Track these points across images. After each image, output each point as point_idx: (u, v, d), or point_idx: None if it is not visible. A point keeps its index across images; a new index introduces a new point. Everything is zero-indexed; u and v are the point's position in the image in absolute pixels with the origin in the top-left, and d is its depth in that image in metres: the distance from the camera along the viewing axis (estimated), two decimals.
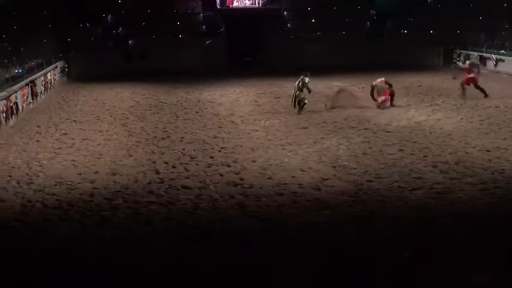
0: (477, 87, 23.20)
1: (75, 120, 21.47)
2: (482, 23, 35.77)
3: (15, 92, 22.39)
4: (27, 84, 24.45)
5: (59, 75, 32.04)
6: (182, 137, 18.29)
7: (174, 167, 14.96)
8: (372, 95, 22.57)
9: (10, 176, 14.43)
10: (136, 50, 37.25)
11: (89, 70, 33.92)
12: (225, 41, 38.74)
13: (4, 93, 21.30)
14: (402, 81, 23.67)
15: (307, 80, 21.59)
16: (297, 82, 21.69)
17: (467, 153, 15.56)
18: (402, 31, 39.19)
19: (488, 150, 15.67)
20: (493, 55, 31.80)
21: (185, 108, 23.57)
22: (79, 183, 13.76)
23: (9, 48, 31.04)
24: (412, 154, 15.59)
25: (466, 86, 23.27)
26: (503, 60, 31.29)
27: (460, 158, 15.01)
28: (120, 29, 39.12)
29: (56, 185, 13.64)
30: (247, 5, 41.12)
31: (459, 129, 18.40)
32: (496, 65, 31.38)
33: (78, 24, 37.95)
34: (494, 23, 34.74)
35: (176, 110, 23.17)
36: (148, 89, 28.68)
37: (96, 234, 10.82)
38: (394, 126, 18.91)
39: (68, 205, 12.25)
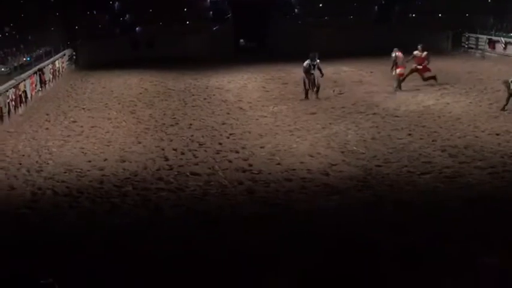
0: (425, 79, 22.91)
1: (83, 108, 21.53)
2: (491, 6, 35.50)
3: (24, 80, 22.45)
4: (35, 73, 24.51)
5: (67, 63, 32.12)
6: (190, 124, 18.31)
7: (182, 153, 14.99)
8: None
9: (20, 164, 14.52)
10: (144, 37, 37.24)
11: (96, 58, 33.95)
12: (232, 27, 38.63)
13: (13, 82, 21.37)
14: (410, 66, 23.53)
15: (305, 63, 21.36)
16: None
17: (477, 137, 15.51)
18: (410, 15, 38.95)
19: (497, 134, 15.61)
20: (502, 38, 31.57)
21: (193, 95, 23.57)
22: (88, 170, 13.83)
23: (17, 36, 31.12)
24: (421, 138, 15.56)
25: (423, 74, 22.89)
26: None
27: (469, 142, 14.97)
28: (127, 16, 39.10)
29: (65, 173, 13.71)
30: None
31: (468, 113, 18.33)
32: (505, 48, 31.17)
33: (86, 12, 37.95)
34: (503, 6, 34.46)
35: (184, 97, 23.18)
36: (156, 76, 28.70)
37: (106, 221, 10.89)
38: (403, 111, 18.85)
39: (78, 192, 12.33)
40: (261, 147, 15.25)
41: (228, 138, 16.44)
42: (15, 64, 25.98)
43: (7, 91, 20.02)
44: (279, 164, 13.80)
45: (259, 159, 14.21)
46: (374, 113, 18.70)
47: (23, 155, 15.33)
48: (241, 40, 40.23)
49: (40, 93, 24.43)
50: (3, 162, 14.71)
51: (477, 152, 14.08)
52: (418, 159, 13.78)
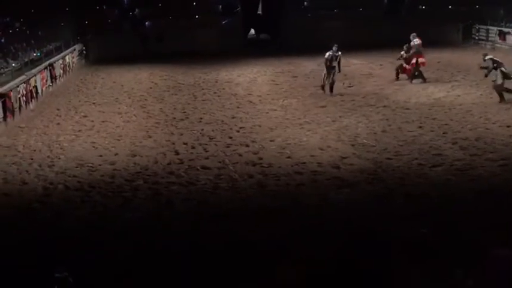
0: (412, 75, 22.64)
1: (94, 103, 21.60)
2: None
3: (35, 75, 22.54)
4: (46, 68, 24.60)
5: (77, 58, 32.19)
6: (201, 118, 18.34)
7: (193, 147, 15.03)
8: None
9: (32, 159, 14.61)
10: (153, 31, 37.26)
11: (106, 52, 34.01)
12: (242, 20, 38.57)
13: (24, 77, 21.46)
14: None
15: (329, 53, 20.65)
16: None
17: (488, 129, 15.45)
18: (420, 7, 38.74)
19: (508, 126, 15.54)
20: None
21: (203, 89, 23.59)
22: (100, 165, 13.90)
23: (28, 31, 31.24)
24: (431, 131, 15.51)
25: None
26: None
27: (480, 134, 14.92)
28: (136, 10, 39.11)
29: (77, 167, 13.78)
30: None
31: (479, 105, 18.24)
32: None
33: (95, 7, 38.02)
34: None
35: (194, 91, 23.20)
36: (166, 71, 28.73)
37: (117, 215, 10.94)
38: (413, 103, 18.79)
39: (89, 187, 12.40)
40: (271, 141, 15.26)
41: (238, 132, 16.45)
42: (26, 59, 26.09)
43: (18, 86, 20.11)
44: (289, 157, 13.81)
45: (269, 153, 14.23)
46: (384, 106, 18.65)
47: (35, 150, 15.42)
48: (251, 31, 40.07)
49: (51, 89, 24.52)
50: (15, 157, 14.81)
51: (488, 144, 14.04)
52: (429, 151, 13.75)
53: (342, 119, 17.29)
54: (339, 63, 20.66)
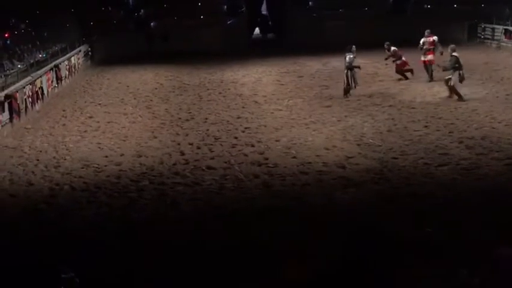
0: (400, 72, 22.70)
1: (99, 104, 21.64)
2: None
3: (40, 76, 22.60)
4: (51, 69, 24.66)
5: (83, 59, 32.26)
6: (206, 118, 18.35)
7: (198, 148, 15.04)
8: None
9: (38, 160, 14.65)
10: (158, 32, 37.30)
11: (112, 53, 34.07)
12: (247, 20, 38.58)
13: (29, 78, 21.52)
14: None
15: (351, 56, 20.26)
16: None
17: (493, 128, 15.40)
18: (425, 6, 38.65)
19: None
20: None
21: (208, 89, 23.60)
22: (105, 165, 13.92)
23: (33, 33, 31.33)
24: (437, 130, 15.48)
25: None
26: None
27: (486, 133, 14.87)
28: (141, 11, 39.18)
29: (83, 168, 13.82)
30: None
31: (484, 104, 18.19)
32: None
33: (101, 8, 38.10)
34: None
35: (199, 91, 23.22)
36: (171, 71, 28.76)
37: (123, 215, 10.96)
38: (419, 103, 18.74)
39: (95, 187, 12.42)
40: (277, 141, 15.25)
41: (244, 132, 16.46)
42: (32, 61, 26.18)
43: (24, 88, 20.16)
44: (294, 157, 13.80)
45: (274, 153, 14.22)
46: (390, 105, 18.62)
47: (41, 151, 15.46)
48: (256, 31, 40.06)
49: (56, 90, 24.58)
50: (21, 158, 14.85)
51: (494, 143, 13.99)
52: (435, 151, 13.72)
53: (348, 118, 17.27)
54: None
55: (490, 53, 29.89)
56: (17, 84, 20.37)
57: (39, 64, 25.51)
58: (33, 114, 20.29)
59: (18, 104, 19.11)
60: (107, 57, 33.85)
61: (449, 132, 15.19)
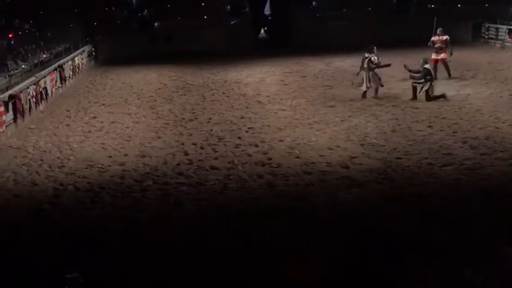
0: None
1: (103, 104, 21.67)
2: None
3: (44, 76, 22.64)
4: (55, 69, 24.70)
5: (87, 59, 32.32)
6: (210, 118, 18.36)
7: (202, 148, 15.05)
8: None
9: (42, 160, 14.67)
10: (162, 32, 37.35)
11: (115, 53, 34.15)
12: (250, 20, 38.60)
13: (33, 78, 21.56)
14: (430, 57, 23.41)
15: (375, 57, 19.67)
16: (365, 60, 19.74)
17: (497, 128, 15.38)
18: (429, 6, 38.63)
19: None
20: None
21: (212, 89, 23.61)
22: (109, 165, 13.94)
23: (37, 33, 31.41)
24: (441, 130, 15.46)
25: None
26: None
27: (490, 133, 14.85)
28: (145, 11, 39.24)
29: (86, 168, 13.83)
30: None
31: (489, 104, 18.17)
32: None
33: (104, 8, 38.17)
34: None
35: (203, 91, 23.23)
36: (175, 71, 28.79)
37: (127, 215, 10.97)
38: (423, 103, 18.72)
39: (99, 187, 12.44)
40: (280, 141, 15.25)
41: (247, 132, 16.46)
42: (35, 61, 26.24)
43: (28, 88, 20.21)
44: (298, 157, 13.80)
45: (278, 153, 14.22)
46: (393, 105, 18.60)
47: (45, 151, 15.49)
48: (262, 31, 40.05)
49: (60, 90, 24.62)
50: (25, 159, 14.88)
51: (498, 144, 13.98)
52: (439, 151, 13.70)
53: (351, 118, 17.26)
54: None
55: (494, 52, 29.86)
56: (21, 85, 20.40)
57: (43, 64, 25.57)
58: (37, 114, 20.33)
59: (22, 104, 19.14)
60: (110, 57, 33.90)
61: (453, 132, 15.18)
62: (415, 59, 22.57)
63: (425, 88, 18.74)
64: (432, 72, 19.10)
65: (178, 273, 8.50)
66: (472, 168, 12.40)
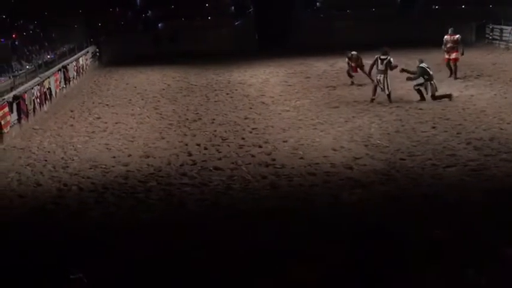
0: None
1: (107, 104, 21.70)
2: None
3: (48, 77, 22.67)
4: (59, 70, 24.73)
5: (91, 59, 32.36)
6: (213, 119, 18.37)
7: (206, 148, 15.05)
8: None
9: (46, 161, 14.70)
10: (166, 32, 37.38)
11: (119, 54, 34.18)
12: (254, 21, 38.60)
13: (37, 79, 21.60)
14: (434, 58, 23.39)
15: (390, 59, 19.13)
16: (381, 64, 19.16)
17: (502, 129, 15.36)
18: (433, 7, 38.59)
19: None
20: None
21: (215, 90, 23.62)
22: (113, 166, 13.95)
23: (41, 34, 31.46)
24: (445, 131, 15.44)
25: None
26: None
27: (494, 134, 14.83)
28: (149, 12, 39.28)
29: (90, 169, 13.85)
30: None
31: (493, 105, 18.14)
32: None
33: (108, 9, 38.23)
34: None
35: (207, 92, 23.25)
36: (179, 72, 28.81)
37: (131, 216, 10.98)
38: (426, 104, 18.70)
39: (103, 188, 12.45)
40: (284, 142, 15.25)
41: (251, 132, 16.46)
42: (40, 61, 26.27)
43: (32, 88, 20.24)
44: (302, 158, 13.80)
45: (282, 154, 14.22)
46: (397, 106, 18.58)
47: (49, 152, 15.52)
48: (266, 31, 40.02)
49: (64, 90, 24.65)
50: (30, 159, 14.90)
51: (502, 145, 13.95)
52: (443, 152, 13.68)
53: (355, 119, 17.25)
54: (390, 67, 19.22)
55: (499, 53, 29.82)
56: (25, 85, 20.43)
57: (47, 65, 25.60)
58: (41, 115, 20.36)
59: (26, 104, 19.17)
60: (114, 58, 33.95)
61: (457, 133, 15.16)
62: (430, 60, 22.51)
63: (429, 89, 18.68)
64: (430, 71, 18.85)
65: (181, 274, 8.50)
66: (476, 169, 12.38)
